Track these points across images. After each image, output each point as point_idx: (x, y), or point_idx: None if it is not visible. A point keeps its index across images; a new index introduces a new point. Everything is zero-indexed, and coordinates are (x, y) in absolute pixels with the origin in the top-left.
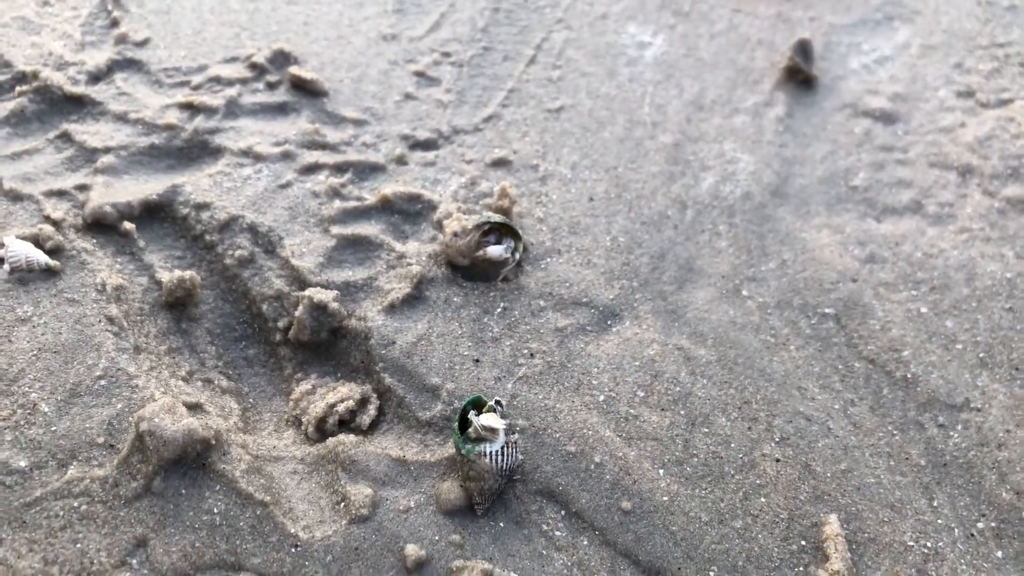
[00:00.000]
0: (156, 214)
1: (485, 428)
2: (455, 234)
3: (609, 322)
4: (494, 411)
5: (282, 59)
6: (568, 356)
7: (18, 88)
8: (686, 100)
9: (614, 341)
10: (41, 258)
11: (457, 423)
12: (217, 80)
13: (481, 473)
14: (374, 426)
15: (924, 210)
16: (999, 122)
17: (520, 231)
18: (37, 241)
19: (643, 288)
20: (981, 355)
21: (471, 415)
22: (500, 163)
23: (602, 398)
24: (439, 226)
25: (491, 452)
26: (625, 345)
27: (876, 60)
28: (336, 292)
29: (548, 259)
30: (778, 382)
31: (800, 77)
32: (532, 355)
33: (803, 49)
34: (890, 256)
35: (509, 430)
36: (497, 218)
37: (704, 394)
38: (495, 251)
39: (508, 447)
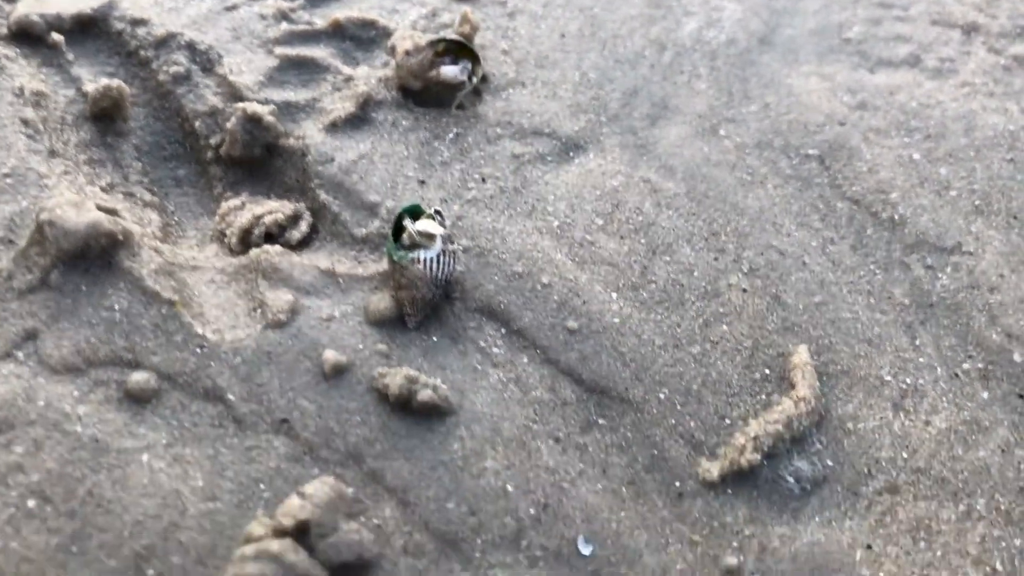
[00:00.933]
0: (89, 29)
1: (421, 234)
2: (407, 52)
3: (571, 153)
4: (432, 220)
5: None
6: (523, 183)
7: None
8: None
9: (575, 171)
10: None
11: (391, 229)
12: None
13: (413, 280)
14: (305, 243)
15: (923, 64)
16: None
17: (480, 57)
18: None
19: (612, 122)
20: (977, 202)
21: (406, 222)
22: None
23: (556, 224)
24: (392, 52)
25: (426, 259)
26: (586, 175)
27: None
28: (272, 107)
29: (510, 90)
30: (751, 216)
31: None
32: (484, 180)
33: None
34: (883, 104)
35: (448, 238)
36: (454, 36)
37: (668, 224)
38: (449, 71)
39: (445, 255)
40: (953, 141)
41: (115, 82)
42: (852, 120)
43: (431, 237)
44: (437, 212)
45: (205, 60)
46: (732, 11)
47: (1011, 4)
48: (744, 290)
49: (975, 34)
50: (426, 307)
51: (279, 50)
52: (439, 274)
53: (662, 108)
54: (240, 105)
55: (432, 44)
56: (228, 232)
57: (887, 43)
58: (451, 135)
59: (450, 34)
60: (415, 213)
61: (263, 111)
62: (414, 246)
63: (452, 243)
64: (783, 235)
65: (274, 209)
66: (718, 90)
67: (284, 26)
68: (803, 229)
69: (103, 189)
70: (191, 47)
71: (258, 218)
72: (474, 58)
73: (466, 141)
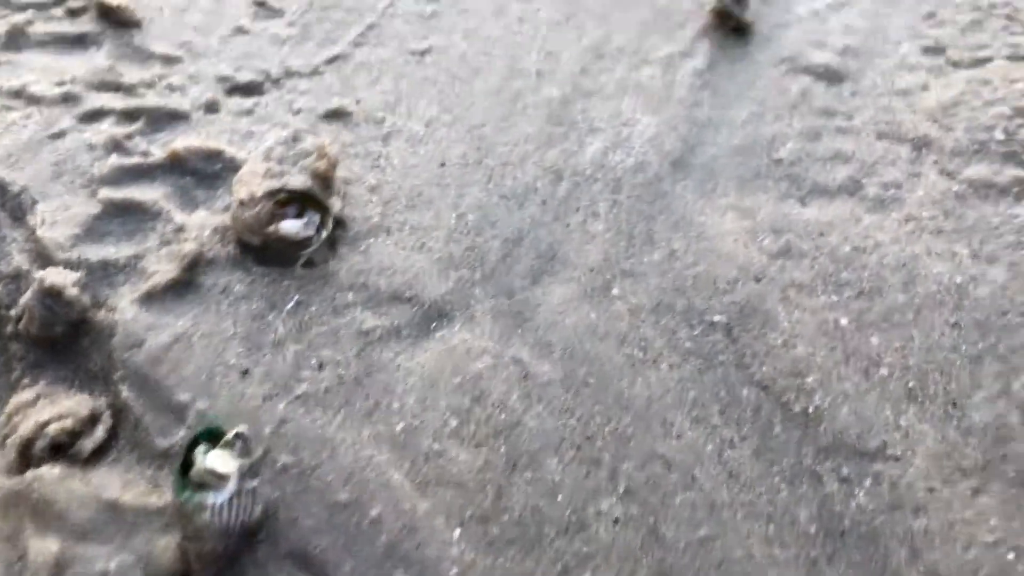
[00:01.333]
0: None
1: (210, 472)
2: (242, 202)
3: (433, 324)
4: (231, 447)
5: None
6: (369, 369)
7: None
8: (585, 46)
9: (434, 350)
10: None
11: (180, 462)
12: (6, 4)
13: (199, 532)
14: (101, 453)
15: (863, 191)
16: (971, 85)
17: (331, 203)
18: None
19: (486, 281)
20: (911, 384)
21: (199, 451)
22: (336, 115)
23: (400, 427)
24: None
25: (215, 505)
26: (447, 356)
27: (830, 4)
28: (80, 274)
29: (372, 239)
30: (637, 411)
31: (731, 24)
32: (321, 366)
33: None
34: (810, 249)
35: (248, 473)
36: (297, 184)
37: (536, 425)
38: (290, 227)
39: (241, 498)
40: (890, 299)
41: None
42: (771, 273)
43: (222, 477)
44: (239, 436)
45: (15, 206)
46: (645, 126)
47: (970, 113)
48: (616, 520)
49: (927, 151)
50: (218, 561)
51: (104, 192)
52: (232, 521)
53: (549, 259)
54: (40, 275)
55: (271, 194)
56: (7, 443)
57: (824, 164)
58: (290, 304)
59: (291, 181)
60: (214, 436)
61: (66, 282)
62: (203, 486)
63: (252, 479)
64: (672, 438)
65: (65, 413)
66: (617, 232)
67: (114, 160)
68: (698, 427)
69: None
70: (1, 188)
71: (43, 426)
72: (322, 208)
73: (308, 312)
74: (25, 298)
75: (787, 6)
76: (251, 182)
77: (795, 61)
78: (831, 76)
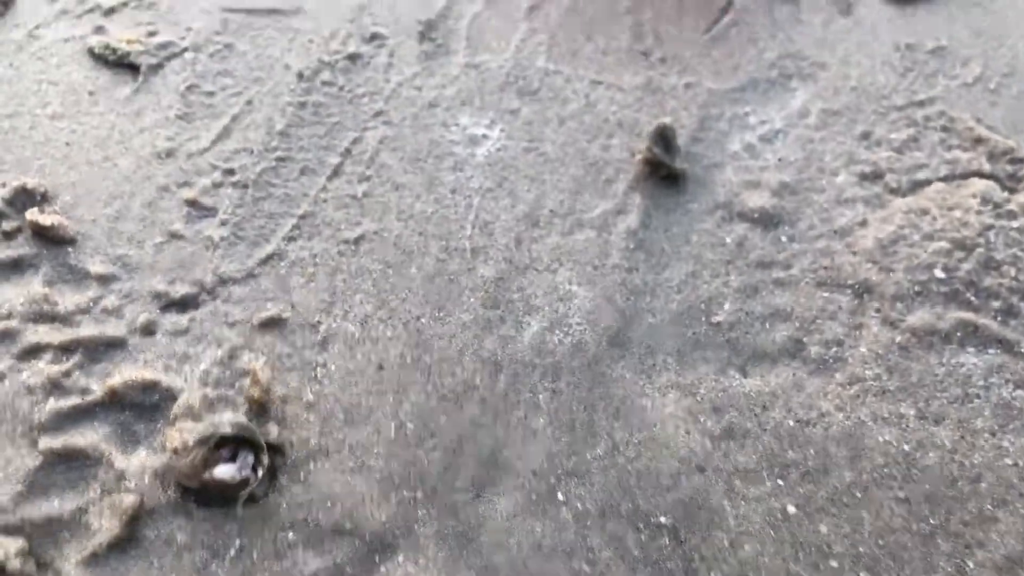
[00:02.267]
0: None
1: None
2: (176, 451)
3: (377, 558)
4: None
5: (25, 198)
6: None
7: None
8: (519, 214)
9: None
10: None
11: None
12: None
13: None
14: None
15: (804, 352)
16: (909, 216)
17: (267, 430)
18: None
19: (428, 500)
20: (862, 574)
21: None
22: (271, 324)
23: None
24: (173, 427)
25: None
26: None
27: (763, 137)
28: (22, 543)
29: (311, 464)
30: None
31: (662, 172)
32: None
33: (663, 137)
34: (753, 428)
35: None
36: (227, 429)
37: None
38: (225, 472)
39: None
40: (836, 478)
41: None
42: (715, 461)
43: None
44: None
45: None
46: (582, 300)
47: (910, 250)
48: None
49: (868, 297)
50: None
51: (45, 441)
52: None
53: (491, 466)
54: None
55: (202, 441)
56: None
57: (763, 324)
58: (233, 550)
59: (222, 426)
60: None
61: (9, 554)
62: None
63: None
64: None
65: None
66: (559, 426)
67: (52, 403)
68: None
69: None
70: None
71: None
72: (256, 447)
73: (250, 559)
74: None
75: (721, 143)
76: (183, 427)
77: (730, 207)
78: (767, 221)
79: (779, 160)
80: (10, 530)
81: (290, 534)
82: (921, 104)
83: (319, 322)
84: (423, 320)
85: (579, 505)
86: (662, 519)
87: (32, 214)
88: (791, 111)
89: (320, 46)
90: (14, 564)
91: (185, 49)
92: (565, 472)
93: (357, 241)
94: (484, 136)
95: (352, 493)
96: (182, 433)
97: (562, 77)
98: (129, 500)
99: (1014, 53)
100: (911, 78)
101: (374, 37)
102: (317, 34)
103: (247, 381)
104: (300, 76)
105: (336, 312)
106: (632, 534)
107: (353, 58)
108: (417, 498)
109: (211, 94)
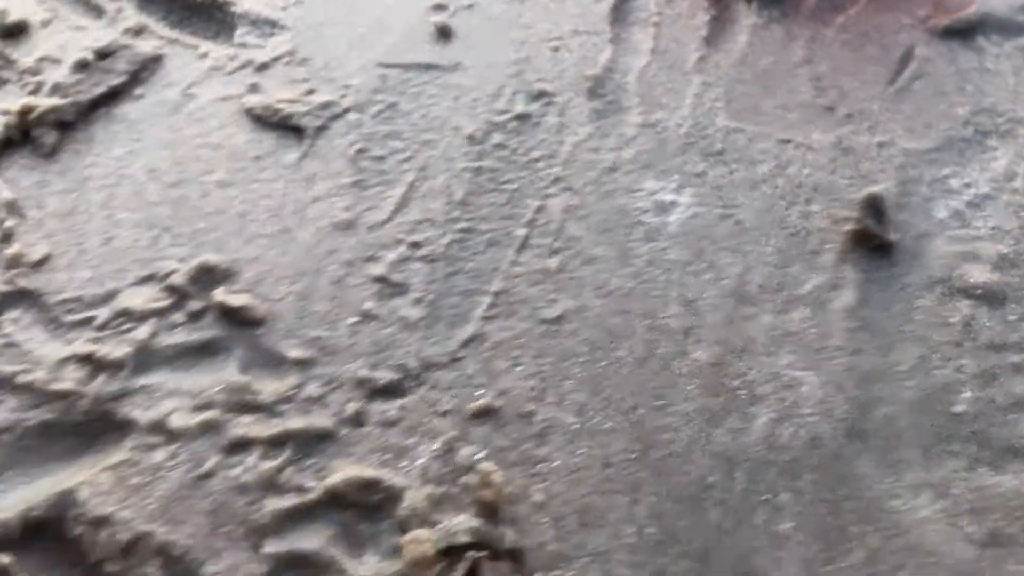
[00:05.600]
0: (40, 533)
1: None
2: (416, 563)
3: None
4: None
5: (207, 277)
6: None
7: None
8: (725, 289)
9: None
10: None
11: None
12: (126, 314)
13: None
14: None
15: None
16: None
17: (501, 535)
18: None
19: None
20: None
21: None
22: (483, 414)
23: None
24: (403, 530)
25: None
26: None
27: (971, 203)
28: None
29: (553, 573)
30: None
31: (873, 243)
32: None
33: (874, 207)
34: (1019, 534)
35: None
36: (465, 538)
37: None
38: None
39: None
40: None
41: None
42: (984, 571)
43: None
44: None
45: (183, 573)
46: (810, 387)
47: None
48: None
49: None
50: None
51: (269, 546)
52: None
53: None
54: None
55: (443, 554)
56: None
57: (1007, 415)
58: None
59: (460, 534)
60: None
61: None
62: None
63: None
64: None
65: None
66: (808, 531)
67: (270, 503)
68: None
69: None
70: (163, 552)
71: None
72: (497, 556)
73: None
74: None
75: (925, 210)
76: (417, 538)
77: (949, 281)
78: (991, 298)
79: (992, 229)
80: None
81: None
82: None
83: (532, 411)
84: (641, 410)
85: None
86: None
87: (221, 294)
88: (995, 173)
89: (486, 104)
90: None
91: (348, 109)
92: None
93: (558, 320)
94: (673, 203)
95: None
96: (419, 544)
97: (745, 136)
98: None
99: None
100: None
101: (541, 95)
102: (480, 91)
103: (475, 480)
104: (471, 139)
105: (549, 399)
106: None
107: (522, 118)
108: None
109: (381, 159)
